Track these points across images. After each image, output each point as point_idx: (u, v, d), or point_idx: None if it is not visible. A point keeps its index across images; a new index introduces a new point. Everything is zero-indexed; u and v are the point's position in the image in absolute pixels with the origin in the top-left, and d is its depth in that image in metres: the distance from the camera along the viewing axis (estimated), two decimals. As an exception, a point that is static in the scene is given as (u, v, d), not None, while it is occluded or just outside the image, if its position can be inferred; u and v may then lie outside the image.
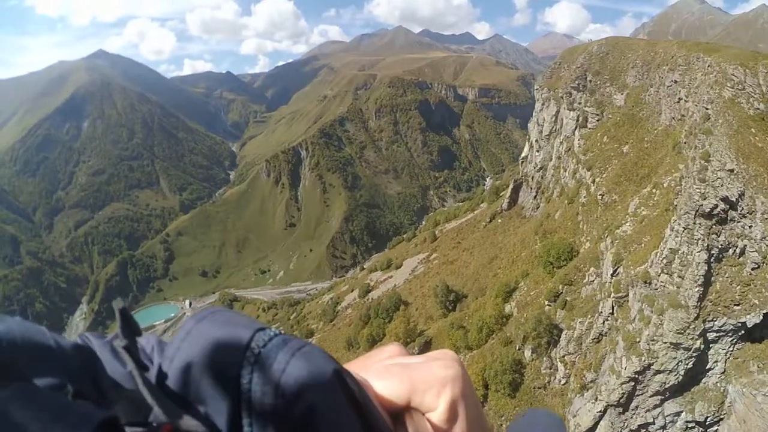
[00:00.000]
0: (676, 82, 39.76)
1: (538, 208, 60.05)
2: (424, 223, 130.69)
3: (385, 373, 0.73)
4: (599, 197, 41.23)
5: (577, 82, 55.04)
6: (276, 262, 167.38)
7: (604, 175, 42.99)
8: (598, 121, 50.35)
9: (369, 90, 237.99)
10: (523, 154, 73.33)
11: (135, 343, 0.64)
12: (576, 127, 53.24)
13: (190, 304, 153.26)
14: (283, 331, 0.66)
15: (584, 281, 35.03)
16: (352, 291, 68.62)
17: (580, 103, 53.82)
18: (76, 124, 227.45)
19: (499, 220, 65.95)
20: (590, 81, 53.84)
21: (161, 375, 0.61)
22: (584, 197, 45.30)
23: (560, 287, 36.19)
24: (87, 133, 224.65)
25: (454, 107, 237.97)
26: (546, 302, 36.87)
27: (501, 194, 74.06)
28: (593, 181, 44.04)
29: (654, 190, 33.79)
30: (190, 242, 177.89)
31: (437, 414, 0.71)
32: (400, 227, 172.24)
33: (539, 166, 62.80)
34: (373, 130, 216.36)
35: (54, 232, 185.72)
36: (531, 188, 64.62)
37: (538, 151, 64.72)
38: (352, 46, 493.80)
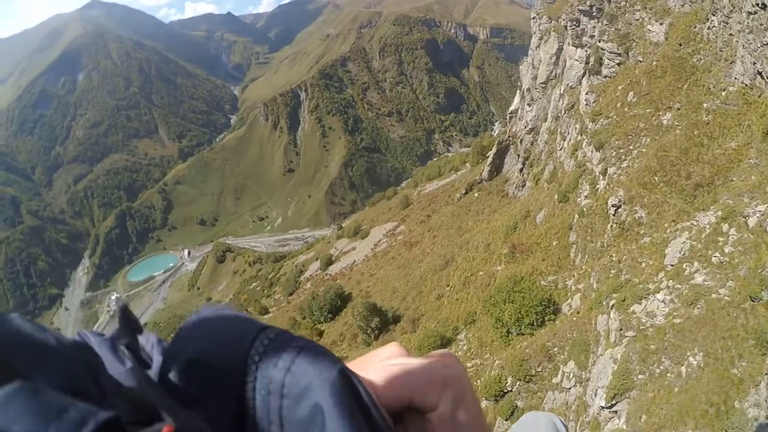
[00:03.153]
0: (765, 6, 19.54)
1: (524, 186, 46.35)
2: (408, 180, 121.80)
3: (385, 373, 0.71)
4: (611, 208, 22.18)
5: (589, 3, 36.62)
6: (274, 209, 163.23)
7: (623, 164, 24.73)
8: (619, 65, 32.28)
9: (373, 28, 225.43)
10: (512, 107, 56.80)
11: (136, 341, 0.63)
12: (584, 74, 36.17)
13: (189, 253, 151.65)
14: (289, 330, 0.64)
15: (553, 382, 18.31)
16: (317, 259, 62.87)
17: (592, 36, 36.20)
18: (72, 77, 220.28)
19: (476, 194, 52.83)
20: (610, 1, 35.08)
21: (163, 374, 0.59)
22: (586, 198, 27.33)
23: (511, 380, 19.43)
24: (83, 86, 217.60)
25: (464, 47, 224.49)
26: (484, 397, 19.83)
27: (487, 155, 58.15)
28: (604, 172, 26.12)
29: (725, 225, 15.78)
30: (189, 191, 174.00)
31: (437, 414, 0.70)
32: (402, 173, 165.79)
33: (529, 127, 47.68)
34: (376, 70, 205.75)
35: (54, 189, 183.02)
36: (518, 155, 49.30)
37: (530, 104, 48.71)
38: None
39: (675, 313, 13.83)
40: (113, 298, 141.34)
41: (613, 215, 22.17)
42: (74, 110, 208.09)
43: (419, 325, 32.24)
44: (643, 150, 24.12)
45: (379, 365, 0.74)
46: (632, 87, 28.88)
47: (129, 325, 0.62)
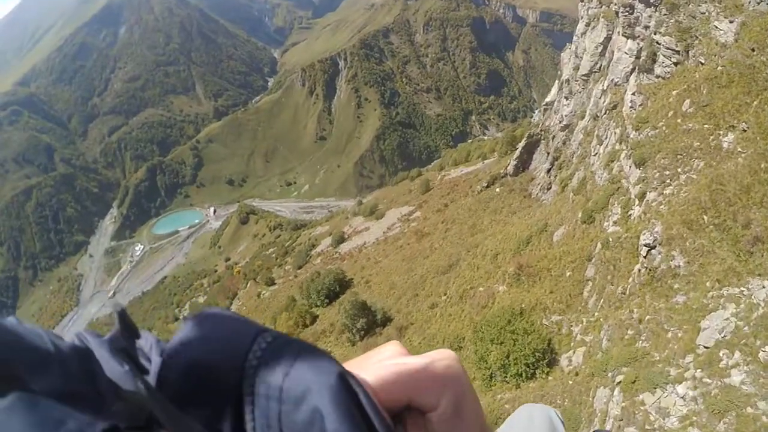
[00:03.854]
0: None
1: (549, 188, 41.25)
2: (436, 161, 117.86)
3: (385, 372, 0.70)
4: (643, 247, 17.46)
5: None
6: (302, 175, 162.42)
7: (667, 191, 19.80)
8: (675, 64, 27.02)
9: (420, 1, 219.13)
10: (548, 98, 51.77)
11: (134, 345, 0.61)
12: (633, 70, 31.11)
13: (215, 211, 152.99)
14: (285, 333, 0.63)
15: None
16: (330, 234, 61.46)
17: (647, 27, 30.74)
18: (113, 30, 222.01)
19: (498, 189, 48.14)
20: None
21: (161, 377, 0.58)
22: (614, 225, 23.06)
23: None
24: (123, 40, 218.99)
25: (512, 29, 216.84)
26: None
27: (516, 147, 53.24)
28: (641, 196, 21.22)
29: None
30: (220, 150, 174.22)
31: (437, 413, 0.69)
32: (435, 151, 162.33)
33: (564, 123, 42.44)
34: (419, 44, 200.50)
35: (88, 139, 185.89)
36: (548, 153, 44.32)
37: (567, 97, 43.29)
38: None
39: (694, 419, 10.04)
40: (137, 249, 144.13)
41: (644, 256, 17.23)
42: (113, 63, 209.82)
43: (405, 335, 29.39)
44: (694, 177, 19.10)
45: (379, 365, 0.72)
46: (689, 94, 23.38)
47: (126, 329, 0.61)
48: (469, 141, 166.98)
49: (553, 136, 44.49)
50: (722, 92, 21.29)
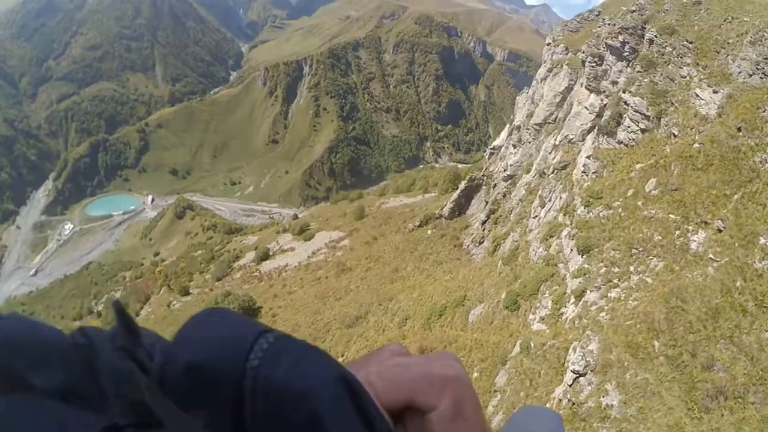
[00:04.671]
0: None
1: (481, 243, 38.63)
2: (379, 185, 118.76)
3: (385, 372, 0.71)
4: (570, 371, 14.07)
5: (621, 38, 27.36)
6: (249, 176, 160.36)
7: (612, 294, 16.89)
8: (643, 131, 23.72)
9: (394, 21, 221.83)
10: (496, 141, 49.67)
11: (134, 343, 0.61)
12: (592, 130, 27.94)
13: (153, 200, 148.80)
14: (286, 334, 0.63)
15: None
16: (256, 248, 60.90)
17: (615, 82, 27.69)
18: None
19: (429, 231, 46.29)
20: (651, 41, 25.32)
21: (162, 376, 0.58)
22: (540, 323, 20.42)
23: None
24: (91, 5, 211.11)
25: (479, 63, 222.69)
26: None
27: (457, 186, 51.01)
28: (579, 295, 18.35)
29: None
30: (168, 137, 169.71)
31: (438, 414, 0.69)
32: (386, 171, 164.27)
33: (508, 173, 39.99)
34: (386, 63, 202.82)
35: (36, 103, 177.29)
36: (486, 202, 42.09)
37: (515, 145, 40.90)
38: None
39: None
40: (67, 227, 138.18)
41: (570, 384, 13.57)
42: (76, 27, 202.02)
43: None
44: (649, 281, 15.61)
45: (380, 365, 0.73)
46: (656, 172, 19.72)
47: (127, 327, 0.61)
48: (420, 166, 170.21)
49: (495, 185, 42.71)
50: (697, 176, 17.95)
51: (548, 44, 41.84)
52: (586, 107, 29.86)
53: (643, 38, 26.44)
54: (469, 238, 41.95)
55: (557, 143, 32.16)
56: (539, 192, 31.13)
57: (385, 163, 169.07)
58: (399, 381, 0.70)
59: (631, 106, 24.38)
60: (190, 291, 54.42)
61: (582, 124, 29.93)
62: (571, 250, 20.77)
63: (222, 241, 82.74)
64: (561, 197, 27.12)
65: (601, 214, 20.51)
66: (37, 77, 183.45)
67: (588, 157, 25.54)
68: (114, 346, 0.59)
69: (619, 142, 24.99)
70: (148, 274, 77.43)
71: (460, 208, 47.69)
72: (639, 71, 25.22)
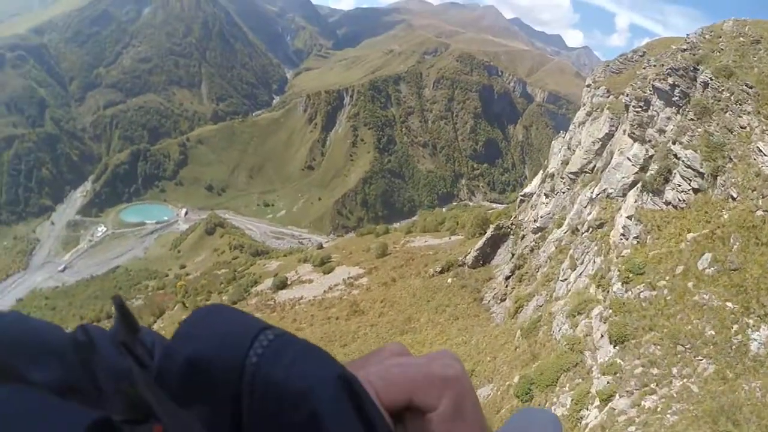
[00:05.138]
0: None
1: (502, 301, 34.92)
2: (409, 221, 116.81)
3: (385, 372, 0.70)
4: None
5: (671, 80, 23.57)
6: (282, 199, 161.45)
7: (646, 403, 12.96)
8: (696, 191, 19.75)
9: (436, 57, 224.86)
10: (527, 188, 46.48)
11: (133, 339, 0.61)
12: (635, 185, 23.90)
13: (186, 213, 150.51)
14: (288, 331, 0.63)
15: None
16: (275, 275, 59.67)
17: (662, 131, 24.09)
18: (138, 8, 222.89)
19: (450, 280, 42.46)
20: (705, 84, 21.52)
21: (161, 372, 0.58)
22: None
23: None
24: (145, 19, 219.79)
25: (518, 103, 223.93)
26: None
27: (486, 230, 46.21)
28: (607, 398, 14.14)
29: None
30: (207, 153, 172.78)
31: (438, 413, 0.69)
32: (418, 206, 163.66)
33: (539, 224, 35.96)
34: (425, 98, 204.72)
35: (83, 106, 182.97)
36: (512, 254, 38.52)
37: (548, 195, 36.97)
38: (438, 10, 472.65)
39: None
40: (100, 229, 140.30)
41: None
42: (129, 39, 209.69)
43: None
44: (695, 391, 12.39)
45: (380, 365, 0.73)
46: (711, 244, 16.10)
47: (127, 323, 0.61)
48: (454, 203, 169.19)
49: (523, 236, 38.89)
50: (761, 254, 14.34)
51: (588, 86, 38.03)
52: (628, 158, 25.76)
53: (696, 81, 22.37)
54: (490, 292, 37.92)
55: (594, 197, 28.04)
56: (570, 251, 26.93)
57: (418, 197, 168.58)
58: (399, 381, 0.69)
59: (683, 161, 20.04)
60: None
61: (623, 177, 25.69)
62: (602, 335, 16.70)
63: (246, 262, 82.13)
64: (595, 261, 23.03)
65: (642, 295, 16.53)
66: (86, 82, 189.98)
67: (629, 217, 21.54)
68: (113, 342, 0.59)
69: (667, 203, 20.59)
70: (169, 286, 77.24)
71: (485, 257, 43.50)
72: (692, 119, 20.92)
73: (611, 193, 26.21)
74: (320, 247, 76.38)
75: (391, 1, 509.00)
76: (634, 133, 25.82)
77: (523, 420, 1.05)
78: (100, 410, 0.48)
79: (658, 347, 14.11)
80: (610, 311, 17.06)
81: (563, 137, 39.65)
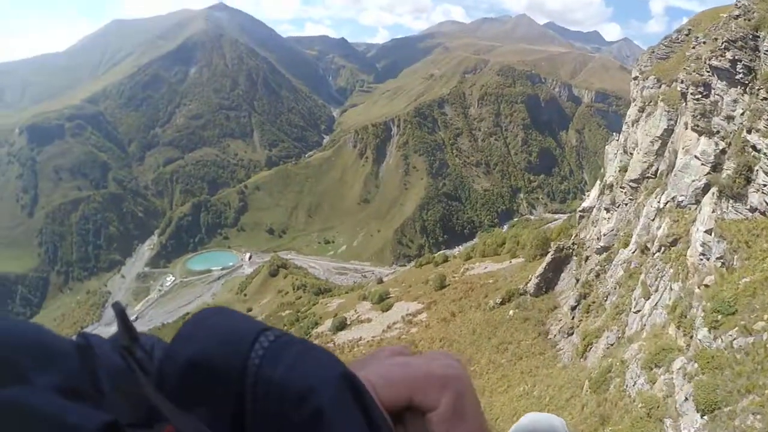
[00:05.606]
0: None
1: (569, 334, 30.48)
2: (464, 247, 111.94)
3: (385, 372, 0.71)
4: None
5: (730, 55, 18.91)
6: (341, 235, 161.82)
7: None
8: None
9: (477, 75, 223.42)
10: (585, 203, 41.65)
11: (135, 343, 0.63)
12: (709, 187, 19.29)
13: (250, 257, 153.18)
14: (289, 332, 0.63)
15: None
16: (335, 316, 58.15)
17: (730, 118, 19.38)
18: (185, 69, 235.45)
19: (511, 312, 38.46)
20: None
21: (163, 375, 0.59)
22: None
23: None
24: (192, 79, 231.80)
25: (566, 108, 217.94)
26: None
27: (547, 251, 42.19)
28: None
29: None
30: (265, 198, 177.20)
31: (438, 413, 0.69)
32: (479, 226, 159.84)
33: (603, 244, 31.12)
34: (472, 117, 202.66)
35: (143, 165, 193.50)
36: (577, 280, 33.67)
37: (608, 209, 31.94)
38: (471, 28, 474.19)
39: None
40: (169, 279, 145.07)
41: None
42: (179, 99, 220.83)
43: None
44: None
45: (380, 365, 0.73)
46: None
47: (127, 329, 0.62)
48: (515, 219, 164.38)
49: (587, 257, 33.90)
50: None
51: (635, 78, 33.09)
52: (696, 156, 20.83)
53: (759, 51, 18.25)
54: (556, 325, 33.67)
55: (662, 206, 23.14)
56: (642, 276, 22.18)
57: (477, 218, 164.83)
58: (399, 380, 0.69)
59: (764, 153, 15.78)
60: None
61: (693, 181, 20.71)
62: (686, 398, 12.69)
63: (309, 302, 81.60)
64: (671, 289, 18.46)
65: (735, 344, 12.25)
66: (144, 143, 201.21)
67: (708, 232, 16.83)
68: (114, 346, 0.60)
69: (753, 209, 15.92)
70: None
71: (548, 282, 39.11)
72: (765, 98, 16.64)
73: (681, 201, 21.28)
74: (380, 281, 74.94)
75: (423, 27, 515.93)
76: (697, 126, 21.13)
77: (528, 424, 1.04)
78: (105, 413, 0.48)
79: (758, 418, 10.17)
80: (696, 365, 12.90)
81: (617, 140, 34.94)
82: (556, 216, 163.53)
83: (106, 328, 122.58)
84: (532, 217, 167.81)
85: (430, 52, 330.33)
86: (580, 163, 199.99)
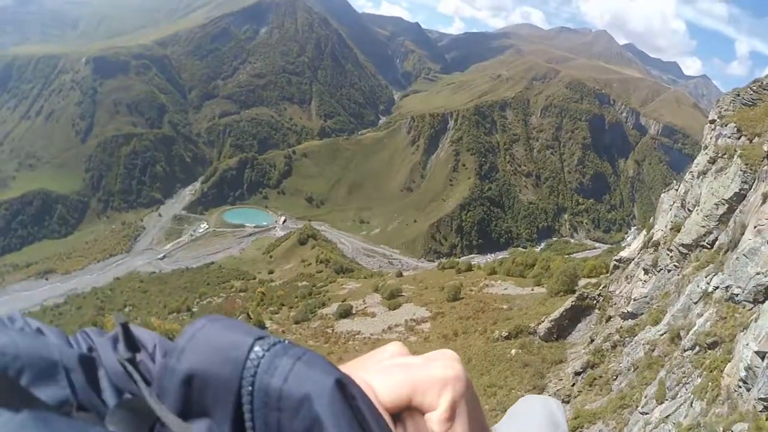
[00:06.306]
0: None
1: (566, 401, 26.09)
2: (500, 257, 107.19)
3: (385, 372, 0.71)
4: None
5: None
6: (378, 218, 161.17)
7: None
8: None
9: (545, 83, 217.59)
10: (624, 252, 34.73)
11: (137, 355, 0.63)
12: None
13: (284, 221, 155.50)
14: (287, 340, 0.62)
15: None
16: (343, 301, 56.83)
17: None
18: (255, 28, 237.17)
19: (514, 351, 33.72)
20: None
21: (161, 386, 0.59)
22: None
23: None
24: (261, 39, 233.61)
25: (630, 135, 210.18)
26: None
27: (573, 289, 39.37)
28: None
29: None
30: (311, 167, 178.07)
31: (438, 414, 0.68)
32: (516, 238, 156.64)
33: (631, 309, 25.76)
34: (532, 126, 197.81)
35: (200, 114, 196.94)
36: (591, 339, 28.62)
37: (647, 269, 26.16)
38: (548, 35, 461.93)
39: None
40: (202, 226, 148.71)
41: None
42: (246, 56, 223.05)
43: None
44: None
45: (380, 365, 0.74)
46: None
47: (129, 342, 0.63)
48: (554, 239, 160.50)
49: (609, 318, 29.16)
50: None
51: (711, 122, 27.52)
52: None
53: None
54: (555, 384, 29.32)
55: (710, 290, 17.47)
56: (662, 372, 17.26)
57: (516, 229, 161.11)
58: (399, 381, 0.69)
59: None
60: (266, 326, 51.45)
61: (758, 274, 14.96)
62: None
63: (327, 278, 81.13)
64: (692, 406, 13.78)
65: None
66: (204, 92, 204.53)
67: (760, 353, 11.39)
68: (117, 358, 0.61)
69: None
70: (251, 290, 77.84)
71: (561, 330, 35.00)
72: None
73: (737, 295, 15.61)
74: (399, 274, 73.55)
75: (500, 25, 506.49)
76: None
77: (525, 407, 1.06)
78: (108, 426, 0.49)
79: None
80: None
81: (676, 189, 28.80)
82: (597, 244, 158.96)
83: (133, 260, 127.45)
84: (572, 240, 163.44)
85: (502, 52, 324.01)
86: (633, 195, 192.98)
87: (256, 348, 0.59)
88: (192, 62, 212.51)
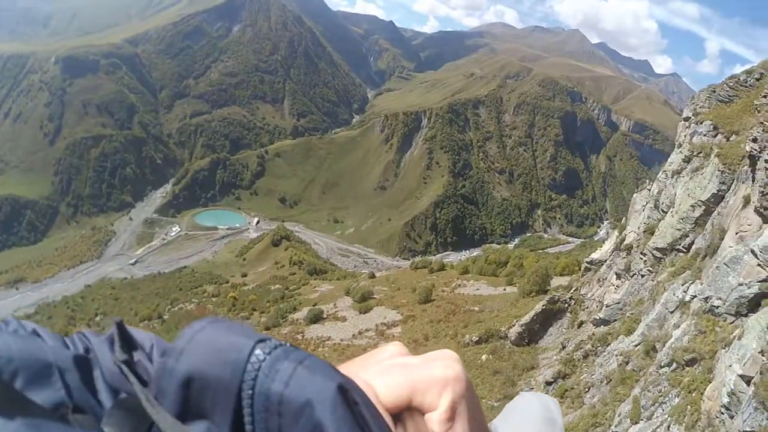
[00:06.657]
0: None
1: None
2: (471, 256, 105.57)
3: (385, 373, 0.71)
4: None
5: None
6: (352, 218, 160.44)
7: None
8: None
9: (518, 81, 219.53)
10: (595, 254, 32.99)
11: (133, 357, 0.62)
12: (760, 305, 12.42)
13: (258, 222, 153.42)
14: (286, 343, 0.62)
15: None
16: (314, 305, 55.92)
17: None
18: (227, 26, 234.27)
19: (484, 357, 32.31)
20: None
21: (160, 389, 0.58)
22: None
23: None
24: (234, 37, 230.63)
25: (602, 132, 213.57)
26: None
27: (546, 289, 38.72)
28: None
29: None
30: (284, 167, 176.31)
31: (438, 414, 0.69)
32: (490, 234, 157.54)
33: (602, 315, 24.62)
34: (505, 123, 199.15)
35: (171, 114, 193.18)
36: (562, 346, 27.14)
37: (619, 274, 25.04)
38: (521, 34, 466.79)
39: None
40: (174, 229, 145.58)
41: None
42: (218, 54, 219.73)
43: None
44: None
45: (380, 365, 0.73)
46: None
47: (126, 343, 0.62)
48: (528, 234, 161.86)
49: (581, 323, 27.97)
50: None
51: (686, 119, 26.16)
52: (753, 251, 13.05)
53: None
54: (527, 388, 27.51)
55: (687, 300, 16.10)
56: (636, 389, 15.73)
57: (490, 225, 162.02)
58: (399, 381, 0.69)
59: None
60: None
61: (741, 285, 13.35)
62: None
63: (300, 280, 79.65)
64: (670, 430, 12.33)
65: None
66: (175, 92, 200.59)
67: (745, 378, 10.04)
68: (113, 359, 0.60)
69: None
70: (223, 294, 76.49)
71: (532, 334, 33.94)
72: None
73: (717, 307, 14.09)
74: (372, 276, 72.67)
75: (474, 24, 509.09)
76: (765, 209, 14.53)
77: (522, 404, 1.07)
78: (104, 428, 0.49)
79: None
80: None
81: (649, 189, 27.36)
82: (570, 239, 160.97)
83: (104, 266, 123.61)
84: (545, 236, 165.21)
85: (476, 50, 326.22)
86: (605, 190, 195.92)
87: (257, 351, 0.58)
88: (163, 61, 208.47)
